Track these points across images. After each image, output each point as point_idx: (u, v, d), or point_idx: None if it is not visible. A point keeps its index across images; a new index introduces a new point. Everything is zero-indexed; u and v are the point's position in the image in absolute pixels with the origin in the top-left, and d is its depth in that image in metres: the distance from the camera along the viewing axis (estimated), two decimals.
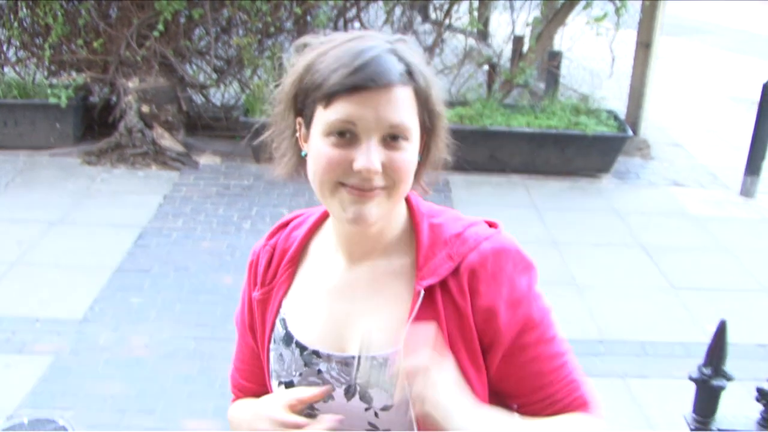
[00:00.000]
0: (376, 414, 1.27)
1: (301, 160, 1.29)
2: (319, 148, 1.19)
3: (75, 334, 4.02)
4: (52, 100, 6.30)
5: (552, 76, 7.48)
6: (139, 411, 3.46)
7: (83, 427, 3.32)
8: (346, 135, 1.17)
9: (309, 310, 1.34)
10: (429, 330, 1.15)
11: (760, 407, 1.69)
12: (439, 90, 1.25)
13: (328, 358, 1.30)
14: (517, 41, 7.36)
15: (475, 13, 7.61)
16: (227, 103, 7.23)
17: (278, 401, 1.30)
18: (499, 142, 6.41)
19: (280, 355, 1.35)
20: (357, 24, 7.00)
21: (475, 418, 1.16)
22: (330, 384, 1.29)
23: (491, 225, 1.33)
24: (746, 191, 6.41)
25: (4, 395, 3.54)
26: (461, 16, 7.35)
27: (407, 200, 1.33)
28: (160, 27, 6.24)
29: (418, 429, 1.21)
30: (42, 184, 5.99)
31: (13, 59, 6.95)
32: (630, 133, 6.70)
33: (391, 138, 1.18)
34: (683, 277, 4.99)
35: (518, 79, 7.00)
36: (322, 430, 1.25)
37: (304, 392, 1.29)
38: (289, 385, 1.33)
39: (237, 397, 1.53)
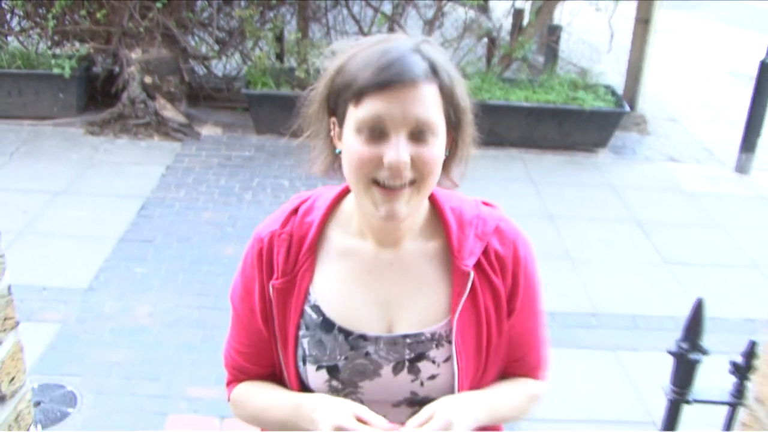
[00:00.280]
0: (422, 383, 1.38)
1: (335, 158, 1.36)
2: (351, 145, 1.26)
3: (81, 302, 4.12)
4: (56, 71, 6.35)
5: (551, 51, 7.50)
6: (144, 378, 3.57)
7: (90, 393, 3.44)
8: (376, 131, 1.24)
9: (344, 296, 1.39)
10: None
11: (734, 380, 1.79)
12: (463, 87, 1.33)
13: (376, 340, 1.37)
14: (517, 15, 7.37)
15: None
16: (229, 75, 7.27)
17: (344, 409, 1.30)
18: (498, 116, 6.45)
19: (319, 340, 1.38)
20: None
21: None
22: (389, 418, 1.32)
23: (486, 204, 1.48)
24: (741, 168, 6.48)
25: None
26: None
27: None
28: None
29: None
30: (46, 154, 6.06)
31: (17, 29, 6.98)
32: (627, 108, 6.74)
33: (419, 133, 1.24)
34: (676, 252, 5.08)
35: (517, 53, 7.02)
36: None
37: (375, 419, 1.28)
38: (332, 369, 1.38)
39: (237, 379, 1.53)
